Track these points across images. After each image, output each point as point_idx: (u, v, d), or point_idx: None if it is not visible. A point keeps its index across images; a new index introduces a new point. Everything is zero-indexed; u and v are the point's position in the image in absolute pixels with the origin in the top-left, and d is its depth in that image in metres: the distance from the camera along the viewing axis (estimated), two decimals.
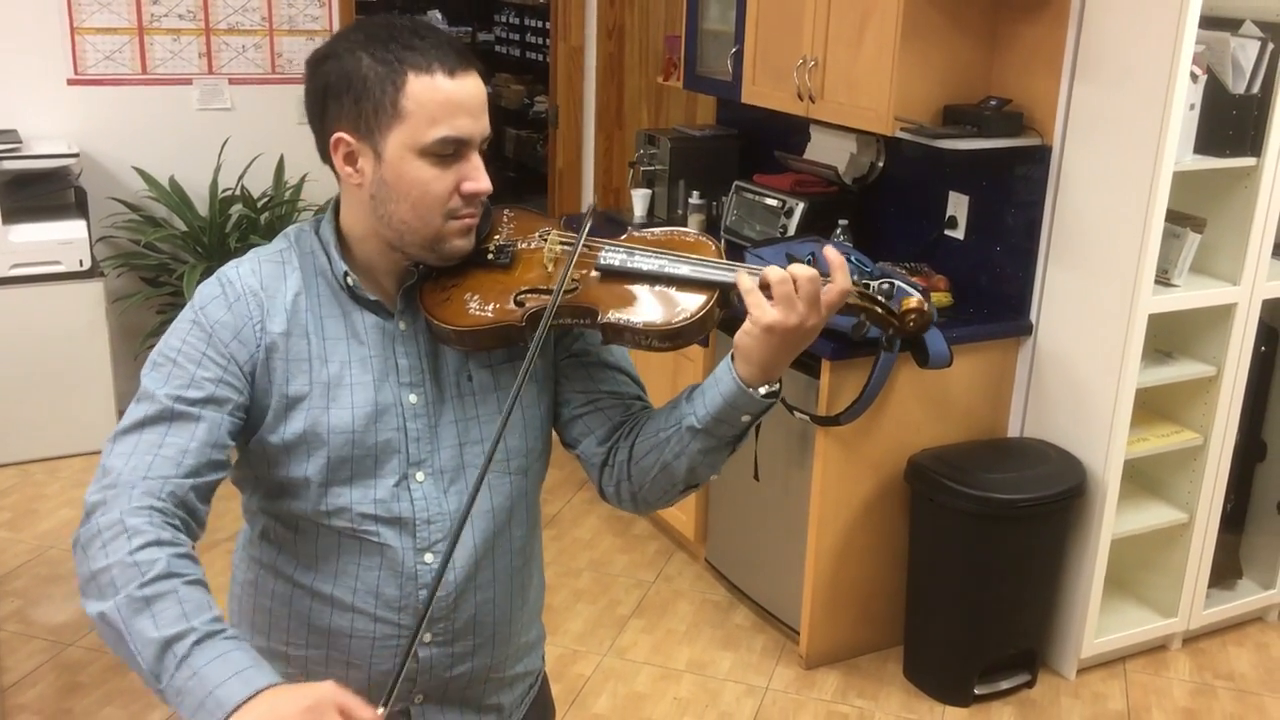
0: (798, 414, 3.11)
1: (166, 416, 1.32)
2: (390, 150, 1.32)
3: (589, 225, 1.40)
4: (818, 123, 3.79)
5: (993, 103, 3.14)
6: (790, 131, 3.97)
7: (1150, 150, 2.86)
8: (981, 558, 3.06)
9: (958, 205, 3.43)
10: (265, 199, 4.70)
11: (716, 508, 3.69)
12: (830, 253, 1.32)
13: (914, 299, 1.36)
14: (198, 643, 1.17)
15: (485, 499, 1.46)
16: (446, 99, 1.31)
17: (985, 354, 3.27)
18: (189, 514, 1.30)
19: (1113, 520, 3.14)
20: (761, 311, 1.29)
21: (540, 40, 7.06)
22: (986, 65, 3.22)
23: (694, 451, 1.39)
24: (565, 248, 1.42)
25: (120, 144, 4.61)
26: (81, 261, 4.29)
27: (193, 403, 1.33)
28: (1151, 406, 3.29)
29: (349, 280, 1.41)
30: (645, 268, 1.38)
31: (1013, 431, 3.37)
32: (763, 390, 1.34)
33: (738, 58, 3.78)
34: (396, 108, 1.31)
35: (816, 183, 3.75)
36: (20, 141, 4.29)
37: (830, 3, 3.32)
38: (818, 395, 3.08)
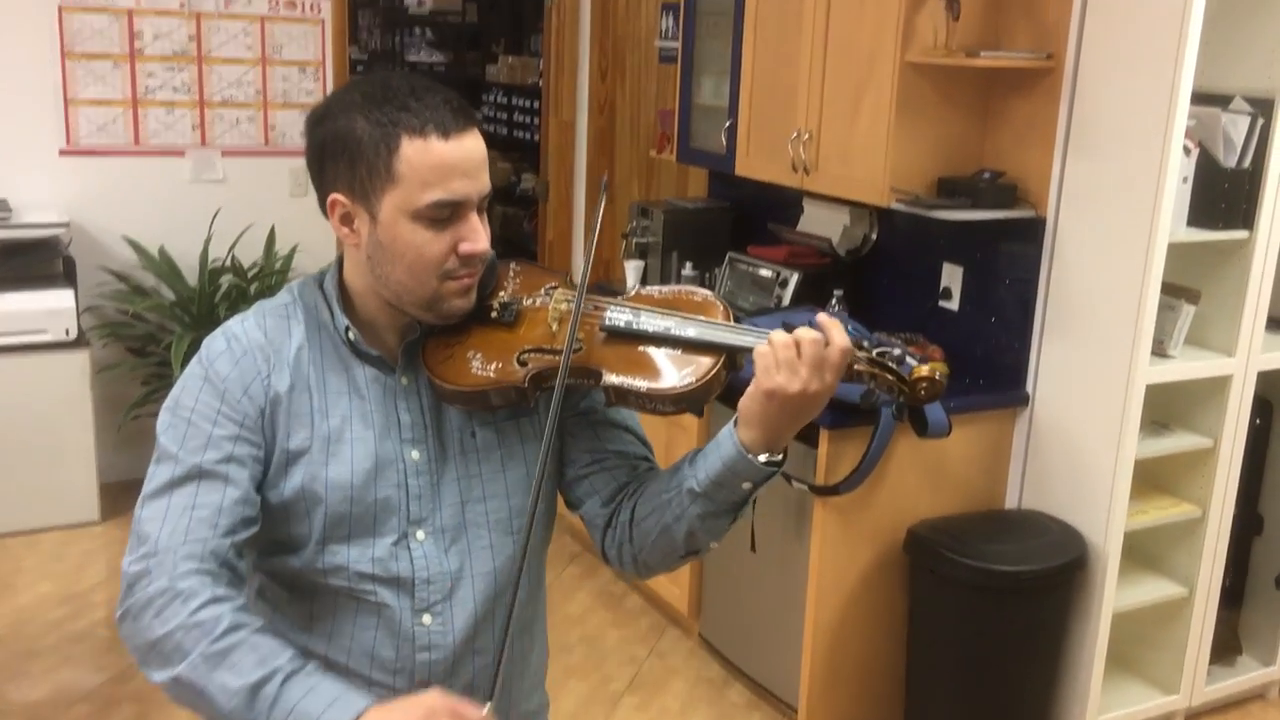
0: (796, 484, 3.08)
1: (194, 476, 1.30)
2: (385, 213, 1.31)
3: (585, 281, 1.37)
4: (810, 195, 3.81)
5: (986, 175, 3.17)
6: (783, 204, 3.99)
7: (1145, 222, 2.88)
8: (982, 631, 3.02)
9: (952, 276, 3.44)
10: (255, 269, 4.69)
11: (711, 581, 3.63)
12: (822, 317, 1.30)
13: (925, 367, 1.33)
14: (285, 681, 1.19)
15: (486, 559, 1.43)
16: (440, 162, 1.29)
17: (982, 425, 3.26)
18: (232, 570, 1.30)
19: (1114, 593, 3.11)
20: (766, 376, 1.27)
21: (528, 119, 7.14)
22: (980, 139, 3.26)
23: (693, 516, 1.36)
24: (570, 306, 1.39)
25: (111, 214, 4.61)
26: (68, 331, 4.25)
27: (217, 462, 1.31)
28: (1148, 479, 3.28)
29: (350, 335, 1.39)
30: (651, 329, 1.35)
31: (1010, 503, 3.34)
32: (763, 458, 1.31)
33: (731, 131, 3.81)
34: (390, 171, 1.29)
35: (810, 254, 3.77)
36: (10, 211, 4.27)
37: (824, 78, 3.36)
38: (816, 465, 3.05)
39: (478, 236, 1.34)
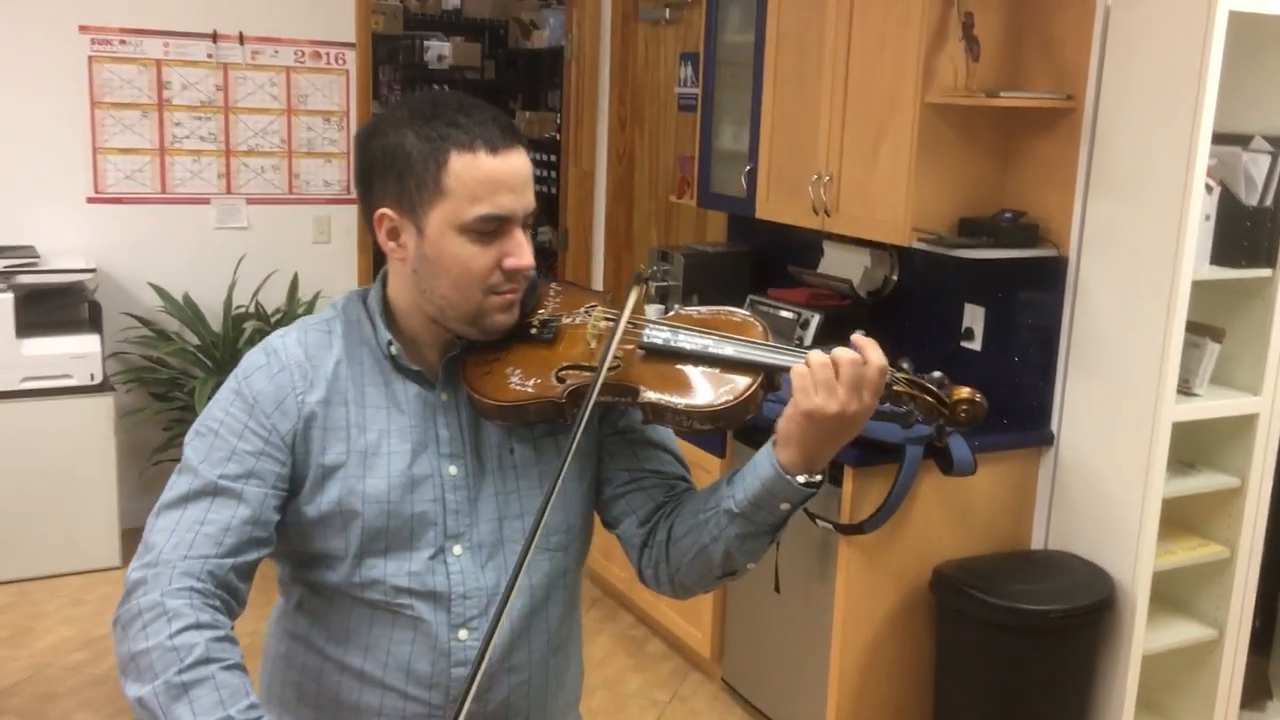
0: (820, 522, 3.06)
1: (209, 492, 1.31)
2: (432, 227, 1.33)
3: (632, 302, 1.39)
4: (830, 237, 3.84)
5: (1008, 215, 3.19)
6: (802, 248, 4.02)
7: (1168, 260, 2.89)
8: (1010, 672, 2.98)
9: (974, 317, 3.45)
10: (279, 315, 4.72)
11: (734, 624, 3.61)
12: (858, 337, 1.30)
13: (965, 389, 1.33)
14: None
15: (523, 576, 1.42)
16: (488, 176, 1.32)
17: (1007, 464, 3.24)
18: (229, 593, 1.30)
19: (1143, 635, 3.07)
20: (804, 397, 1.27)
21: (545, 173, 7.22)
22: (1000, 179, 3.28)
23: (731, 536, 1.36)
24: (609, 324, 1.41)
25: (137, 260, 4.66)
26: (93, 375, 4.28)
27: (235, 478, 1.32)
28: (1175, 519, 3.25)
29: (392, 349, 1.40)
30: (689, 347, 1.36)
31: (1036, 543, 3.32)
32: (802, 479, 1.31)
33: (751, 175, 3.85)
34: (439, 185, 1.32)
35: (831, 296, 3.78)
36: (38, 257, 4.33)
37: (845, 120, 3.39)
38: (840, 503, 3.04)
39: (522, 252, 1.36)
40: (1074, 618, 2.97)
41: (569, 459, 1.29)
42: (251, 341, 4.61)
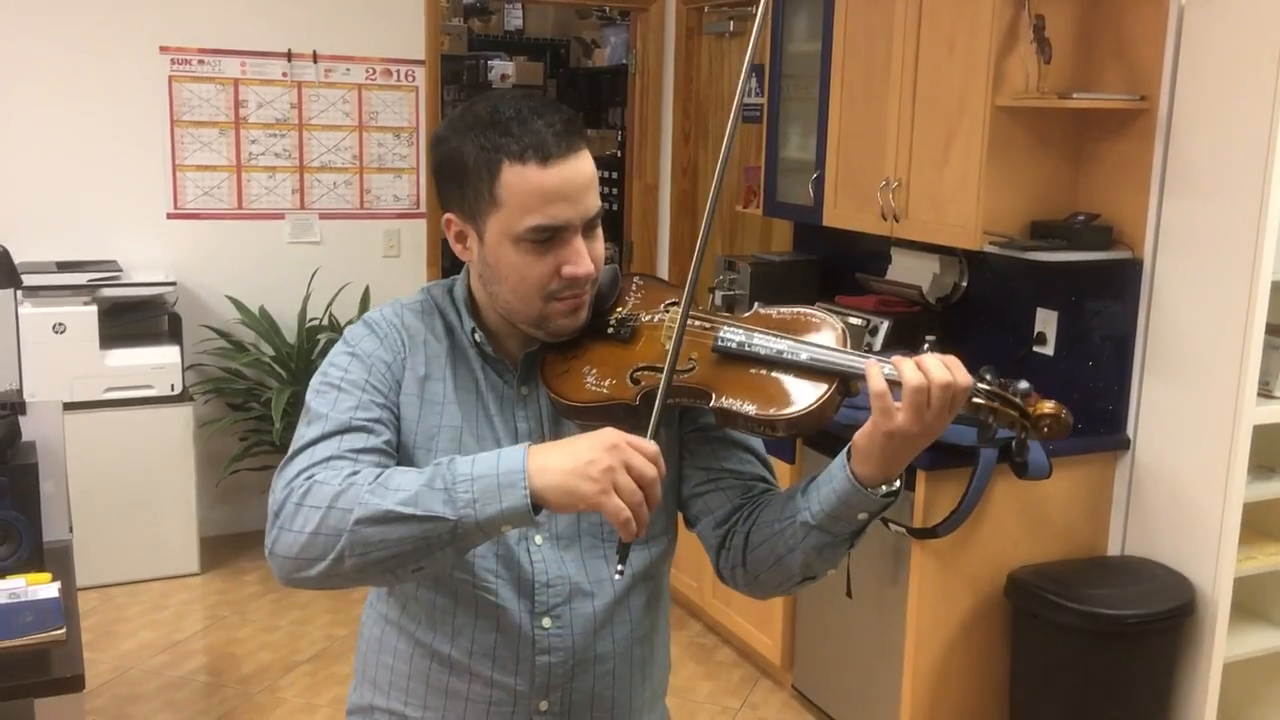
0: (893, 526, 3.05)
1: (343, 429, 1.34)
2: (490, 235, 1.36)
3: (689, 301, 1.35)
4: (898, 244, 3.83)
5: (1081, 217, 3.17)
6: (869, 255, 4.01)
7: (1247, 261, 2.85)
8: (1088, 678, 2.95)
9: (1046, 321, 3.43)
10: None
11: (804, 630, 3.60)
12: (949, 358, 1.25)
13: (1050, 403, 1.28)
14: (451, 464, 1.23)
15: (603, 569, 1.44)
16: (538, 189, 1.31)
17: (1082, 469, 3.21)
18: None
19: (1224, 642, 3.02)
20: (887, 418, 1.23)
21: (606, 189, 7.26)
22: (1073, 181, 3.26)
23: (809, 548, 1.35)
24: (689, 324, 1.37)
25: (215, 274, 4.77)
26: (173, 386, 4.39)
27: (365, 421, 1.35)
28: (1256, 525, 3.19)
29: (477, 338, 1.43)
30: (763, 352, 1.33)
31: (1113, 549, 3.28)
32: (882, 490, 1.29)
33: (819, 183, 3.86)
34: (493, 195, 1.33)
35: (900, 303, 3.78)
36: (120, 271, 4.45)
37: (913, 125, 3.40)
38: (913, 507, 3.03)
39: (580, 259, 1.35)
40: (1153, 623, 2.93)
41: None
42: (324, 353, 4.69)
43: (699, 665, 3.92)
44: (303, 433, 1.35)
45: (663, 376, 1.31)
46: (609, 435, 1.20)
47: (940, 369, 1.22)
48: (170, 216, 4.70)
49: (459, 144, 1.35)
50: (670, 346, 1.36)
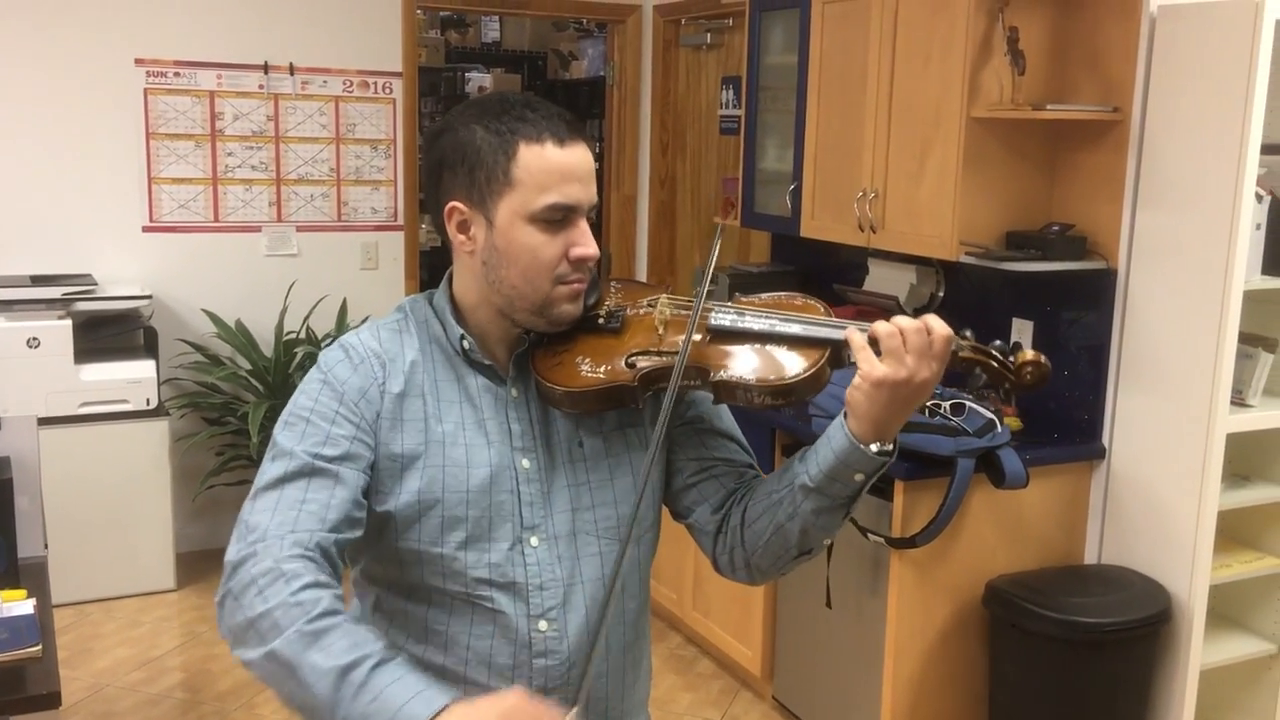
0: (871, 536, 3.06)
1: (306, 472, 1.33)
2: (501, 217, 1.37)
3: (708, 281, 1.42)
4: (875, 255, 3.85)
5: (1055, 228, 3.19)
6: (846, 266, 4.03)
7: (1219, 270, 2.88)
8: (1066, 686, 2.96)
9: (1022, 331, 3.45)
10: (329, 340, 4.79)
11: (784, 641, 3.60)
12: (921, 315, 1.33)
13: (1030, 352, 1.37)
14: (374, 668, 1.18)
15: (596, 566, 1.45)
16: (556, 167, 1.36)
17: (1058, 478, 3.23)
18: (333, 565, 1.32)
19: (1200, 649, 3.04)
20: (871, 366, 1.30)
21: None
22: (1047, 192, 3.29)
23: (807, 512, 1.38)
24: (677, 312, 1.44)
25: (191, 287, 4.75)
26: (149, 400, 4.36)
27: (331, 459, 1.35)
28: (1230, 533, 3.22)
29: (465, 344, 1.43)
30: (756, 327, 1.39)
31: (1090, 557, 3.30)
32: (875, 448, 1.33)
33: (796, 194, 3.88)
34: (508, 176, 1.36)
35: (877, 313, 3.75)
36: (95, 284, 4.42)
37: (890, 136, 3.42)
38: (891, 517, 3.04)
39: (589, 241, 1.40)
40: (1130, 631, 2.94)
41: (657, 448, 1.34)
42: (302, 366, 4.68)
43: (679, 676, 3.92)
44: (267, 469, 1.35)
45: (664, 359, 1.37)
46: (508, 699, 1.18)
47: (910, 319, 1.31)
48: (146, 229, 4.68)
49: (468, 132, 1.38)
50: (663, 332, 1.42)
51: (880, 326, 1.31)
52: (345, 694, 1.17)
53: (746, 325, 1.40)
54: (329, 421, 1.37)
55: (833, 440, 1.36)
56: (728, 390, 1.38)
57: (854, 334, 1.33)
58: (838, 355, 1.36)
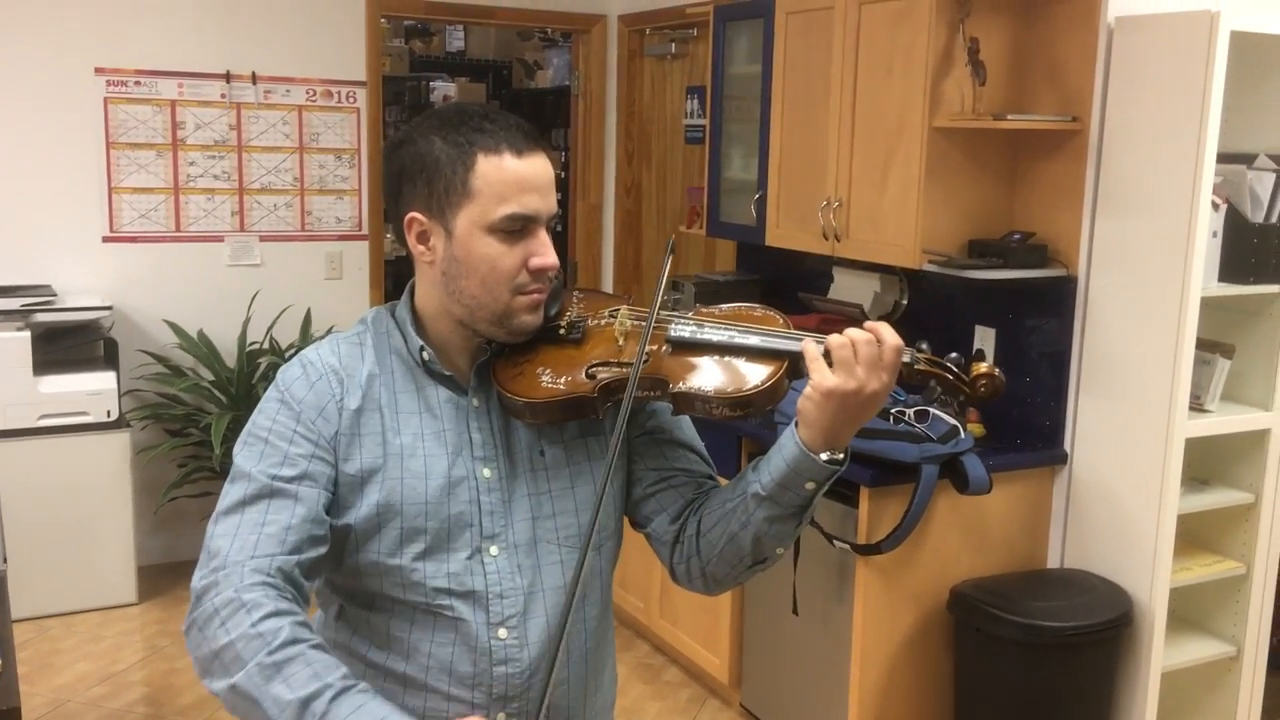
0: (837, 543, 3.08)
1: (265, 494, 1.34)
2: (460, 228, 1.37)
3: (660, 296, 1.42)
4: (840, 263, 3.88)
5: (1016, 236, 3.23)
6: (811, 275, 4.06)
7: (1177, 277, 2.92)
8: (1031, 690, 2.99)
9: (984, 338, 3.48)
10: (293, 350, 4.76)
11: (752, 648, 3.61)
12: (870, 323, 1.35)
13: (984, 365, 1.39)
14: (334, 698, 1.20)
15: (558, 574, 1.46)
16: (513, 178, 1.36)
17: (1021, 483, 3.26)
18: (296, 588, 1.33)
19: (1162, 651, 3.08)
20: (822, 377, 1.31)
21: None
22: (1008, 201, 3.33)
23: (759, 520, 1.39)
24: (636, 323, 1.45)
25: (152, 298, 4.70)
26: (109, 412, 4.31)
27: (290, 480, 1.35)
28: (1190, 537, 3.26)
29: (424, 355, 1.44)
30: (715, 339, 1.40)
31: (1052, 562, 3.33)
32: (824, 456, 1.34)
33: (761, 203, 3.90)
34: (466, 187, 1.36)
35: (842, 321, 3.81)
36: (55, 295, 4.37)
37: (853, 146, 3.44)
38: (857, 524, 3.06)
39: (548, 251, 1.40)
40: (1093, 634, 2.97)
41: (614, 457, 1.34)
42: (265, 377, 4.65)
43: (647, 685, 3.91)
44: (228, 491, 1.36)
45: (624, 370, 1.37)
46: None
47: (860, 331, 1.32)
48: (106, 240, 4.63)
49: (426, 143, 1.38)
50: (622, 343, 1.44)
51: (833, 338, 1.32)
52: (315, 716, 1.19)
53: (705, 337, 1.41)
54: (286, 441, 1.37)
55: (784, 449, 1.37)
56: (686, 401, 1.39)
57: (809, 345, 1.34)
58: (796, 366, 1.38)
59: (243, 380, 4.60)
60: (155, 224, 4.71)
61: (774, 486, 1.37)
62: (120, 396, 4.38)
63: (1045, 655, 2.95)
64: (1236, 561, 3.24)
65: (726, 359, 1.39)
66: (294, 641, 1.24)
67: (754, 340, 1.39)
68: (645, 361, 1.39)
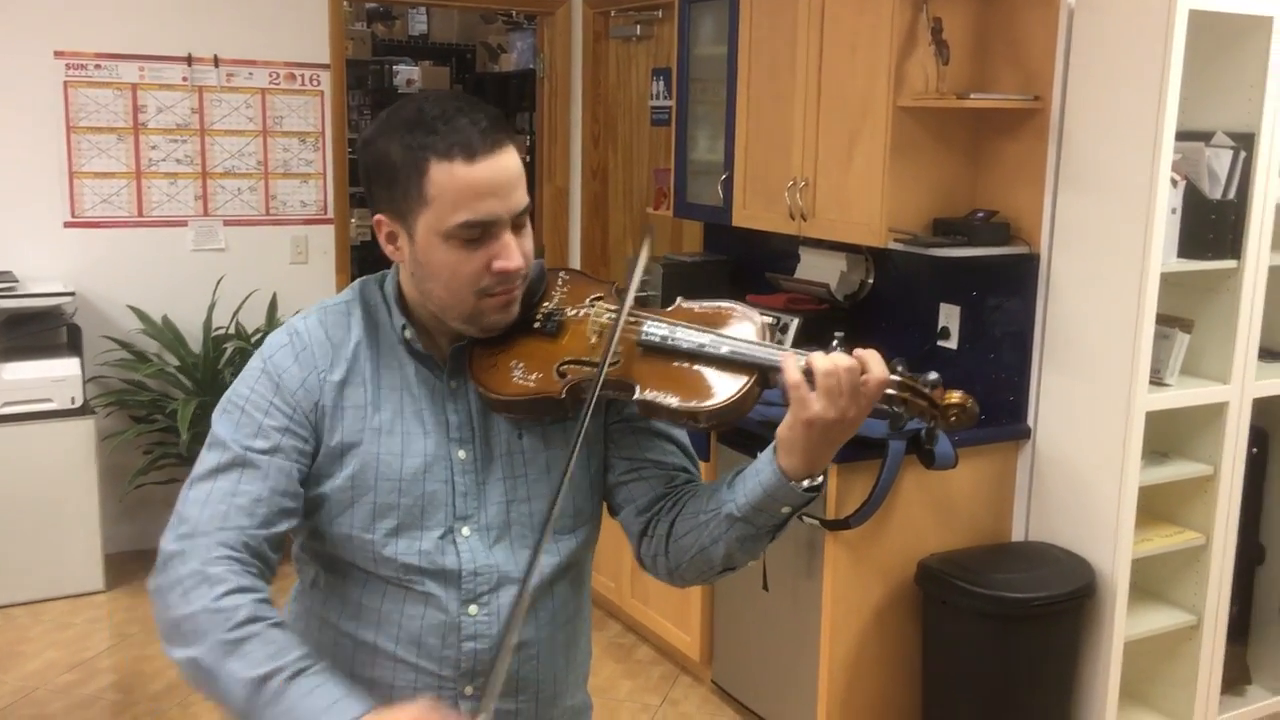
0: (807, 519, 3.11)
1: (239, 464, 1.34)
2: (420, 233, 1.36)
3: (630, 301, 1.39)
4: (807, 243, 3.91)
5: (980, 214, 3.26)
6: (778, 255, 4.08)
7: (1137, 253, 2.97)
8: (997, 660, 3.04)
9: (949, 316, 3.52)
10: (259, 335, 4.74)
11: (722, 625, 3.64)
12: (859, 351, 1.31)
13: (957, 394, 1.33)
14: (290, 679, 1.21)
15: (531, 557, 1.46)
16: (466, 185, 1.32)
17: (986, 458, 3.31)
18: (263, 562, 1.33)
19: (1124, 621, 3.14)
20: (803, 407, 1.28)
21: None
22: (972, 179, 3.36)
23: (731, 539, 1.39)
24: (613, 318, 1.41)
25: (115, 283, 4.67)
26: (73, 399, 4.28)
27: (263, 451, 1.36)
28: (1151, 509, 3.32)
29: (407, 334, 1.44)
30: (686, 346, 1.37)
31: (1017, 535, 3.38)
32: (805, 484, 1.33)
33: (728, 184, 3.92)
34: (421, 194, 1.34)
35: (809, 300, 3.85)
36: (16, 281, 4.32)
37: (819, 126, 3.47)
38: (825, 500, 3.09)
39: (510, 254, 1.36)
40: (1057, 605, 3.03)
41: (574, 456, 1.33)
42: (232, 361, 4.62)
43: (619, 664, 3.94)
44: (203, 457, 1.37)
45: (594, 370, 1.34)
46: (415, 709, 1.21)
47: (846, 357, 1.28)
48: (68, 225, 4.59)
49: (386, 145, 1.36)
50: (595, 340, 1.40)
51: (818, 362, 1.28)
52: (261, 703, 1.20)
53: (677, 343, 1.38)
54: (262, 413, 1.38)
55: (761, 474, 1.35)
56: (652, 409, 1.37)
57: (790, 368, 1.29)
58: (766, 378, 1.35)
59: (208, 365, 4.58)
60: (117, 209, 4.67)
61: (749, 509, 1.36)
62: (84, 383, 4.34)
63: (1010, 626, 3.00)
64: (1196, 532, 3.30)
65: (697, 367, 1.36)
66: (253, 620, 1.25)
67: (726, 350, 1.35)
68: (615, 364, 1.37)
